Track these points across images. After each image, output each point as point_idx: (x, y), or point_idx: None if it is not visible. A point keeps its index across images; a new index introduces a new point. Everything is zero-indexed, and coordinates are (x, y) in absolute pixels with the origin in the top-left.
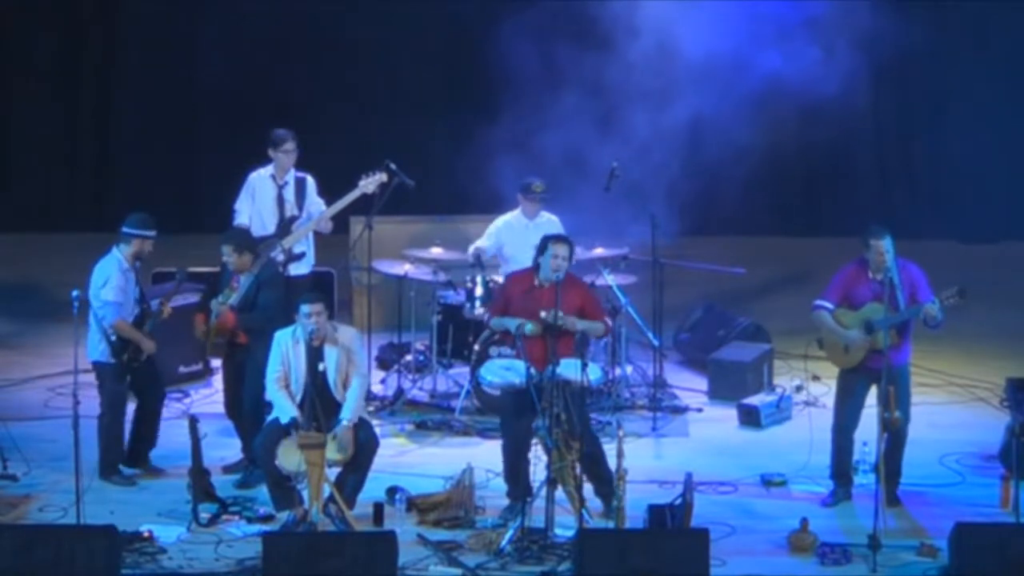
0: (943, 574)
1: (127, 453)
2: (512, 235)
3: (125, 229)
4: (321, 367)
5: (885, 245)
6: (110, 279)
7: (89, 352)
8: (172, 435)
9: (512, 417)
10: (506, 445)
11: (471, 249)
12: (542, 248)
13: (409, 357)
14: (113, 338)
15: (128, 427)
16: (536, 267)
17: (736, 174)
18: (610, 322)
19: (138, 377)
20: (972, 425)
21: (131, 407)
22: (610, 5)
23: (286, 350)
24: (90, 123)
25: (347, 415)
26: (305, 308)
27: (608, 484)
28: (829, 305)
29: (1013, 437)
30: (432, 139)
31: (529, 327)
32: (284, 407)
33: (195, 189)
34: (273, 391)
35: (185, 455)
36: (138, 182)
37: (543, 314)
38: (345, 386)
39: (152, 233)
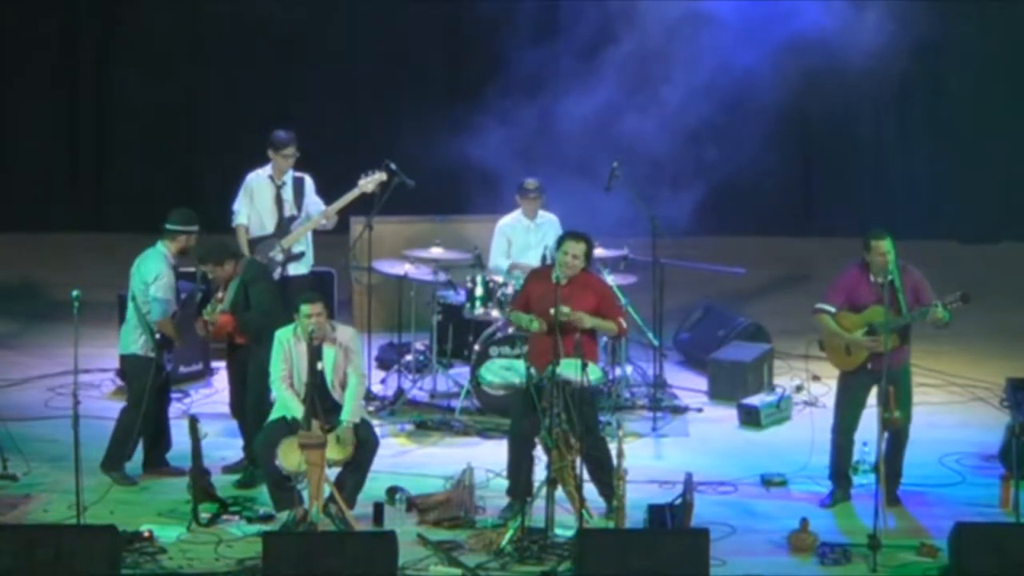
0: (943, 574)
1: (144, 459)
2: (515, 235)
3: (169, 226)
4: (320, 366)
5: (886, 246)
6: (160, 276)
7: (123, 345)
8: (172, 435)
9: (519, 414)
10: (511, 441)
11: (501, 266)
12: (559, 245)
13: (409, 357)
14: (158, 335)
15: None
16: (555, 263)
17: (736, 174)
18: (625, 324)
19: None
20: (972, 425)
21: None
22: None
23: (288, 348)
24: (90, 123)
25: (347, 415)
26: (305, 308)
27: (610, 488)
28: (831, 308)
29: (1013, 437)
30: (432, 138)
31: (535, 324)
32: (292, 405)
33: (195, 189)
34: (279, 389)
35: (185, 455)
36: (138, 182)
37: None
38: (342, 386)
39: (196, 228)
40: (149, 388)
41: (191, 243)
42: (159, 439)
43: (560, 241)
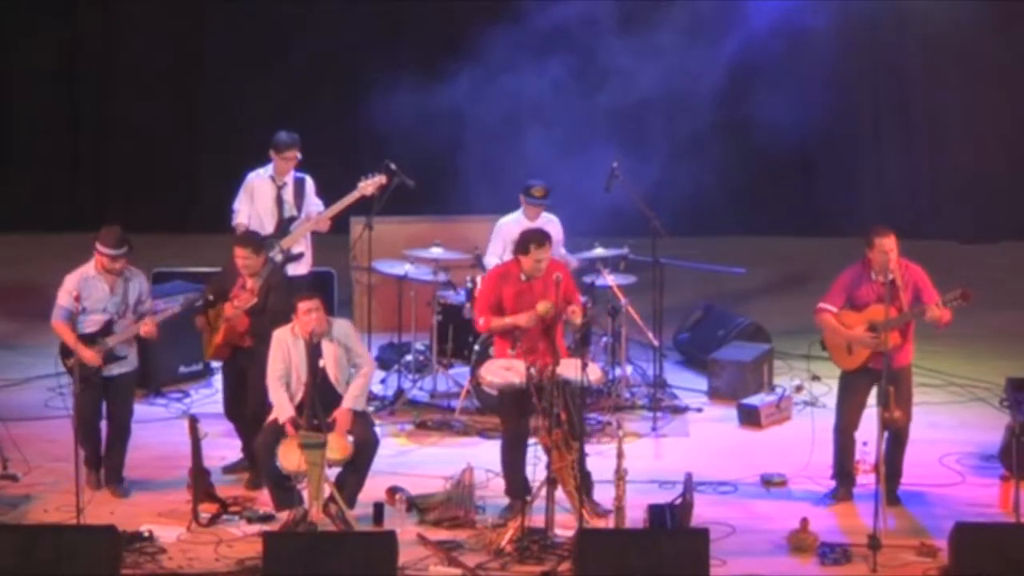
0: (943, 574)
1: (102, 471)
2: (512, 236)
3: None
4: (321, 363)
5: (890, 243)
6: (66, 282)
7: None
8: (172, 435)
9: (512, 415)
10: (504, 443)
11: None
12: (524, 248)
13: (409, 357)
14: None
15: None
16: (516, 262)
17: (734, 173)
18: (584, 300)
19: (108, 392)
20: (972, 425)
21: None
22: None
23: (286, 348)
24: (90, 123)
25: (347, 402)
26: (302, 305)
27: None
28: (832, 308)
29: (1013, 437)
30: (433, 137)
31: (542, 306)
32: (282, 406)
33: (195, 189)
34: (274, 389)
35: (185, 455)
36: (138, 182)
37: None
38: (347, 382)
39: (110, 251)
40: (76, 395)
41: (108, 264)
42: (111, 454)
43: (525, 250)
